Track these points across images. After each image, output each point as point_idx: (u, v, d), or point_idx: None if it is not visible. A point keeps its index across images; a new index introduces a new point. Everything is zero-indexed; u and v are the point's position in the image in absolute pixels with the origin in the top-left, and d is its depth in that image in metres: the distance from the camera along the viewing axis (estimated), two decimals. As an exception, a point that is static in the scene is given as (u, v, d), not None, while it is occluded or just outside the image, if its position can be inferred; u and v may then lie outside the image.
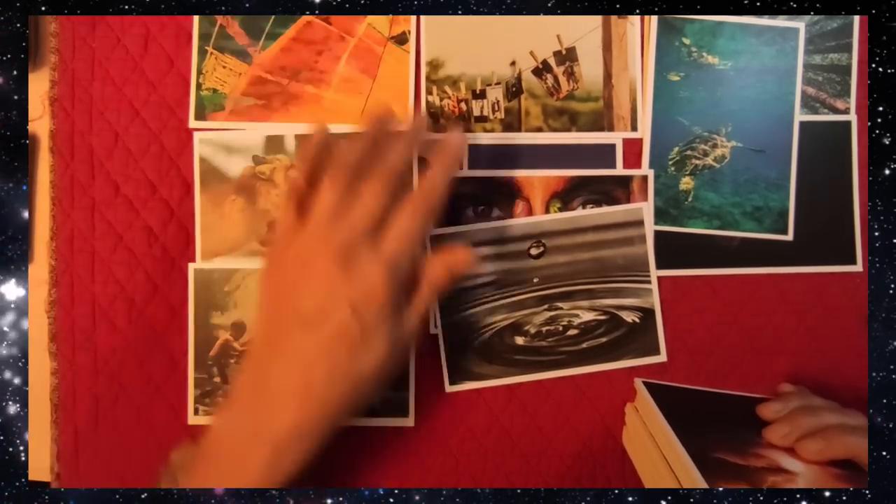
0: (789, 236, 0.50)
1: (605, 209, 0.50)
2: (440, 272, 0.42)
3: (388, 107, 0.44)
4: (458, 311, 0.50)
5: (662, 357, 0.50)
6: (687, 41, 0.50)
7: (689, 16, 0.50)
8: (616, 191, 0.50)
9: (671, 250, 0.50)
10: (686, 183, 0.50)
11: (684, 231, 0.50)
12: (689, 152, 0.50)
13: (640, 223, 0.50)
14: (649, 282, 0.50)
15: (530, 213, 0.50)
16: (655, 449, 0.44)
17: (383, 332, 0.38)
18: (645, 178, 0.50)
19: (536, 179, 0.50)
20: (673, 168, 0.50)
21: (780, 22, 0.50)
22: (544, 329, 0.50)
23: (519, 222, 0.50)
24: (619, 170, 0.50)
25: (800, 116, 0.50)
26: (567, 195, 0.50)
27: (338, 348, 0.38)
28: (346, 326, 0.38)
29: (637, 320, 0.50)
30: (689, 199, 0.50)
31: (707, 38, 0.50)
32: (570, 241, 0.50)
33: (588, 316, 0.50)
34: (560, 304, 0.50)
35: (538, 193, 0.50)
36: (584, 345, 0.50)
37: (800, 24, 0.50)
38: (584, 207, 0.50)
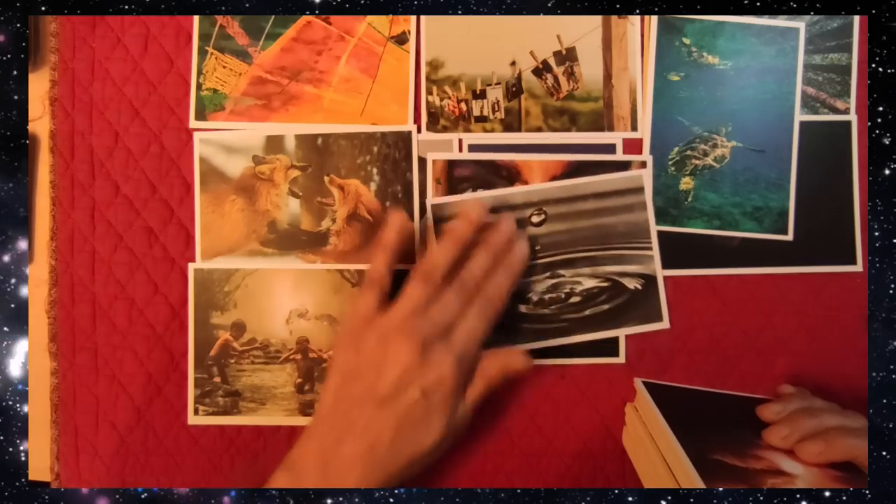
0: (789, 236, 0.50)
1: (605, 176, 0.50)
2: (496, 371, 0.46)
3: (480, 208, 0.47)
4: None
5: (665, 323, 0.50)
6: (687, 41, 0.50)
7: (690, 16, 0.50)
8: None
9: (671, 250, 0.50)
10: (686, 183, 0.50)
11: (684, 231, 0.50)
12: (689, 152, 0.50)
13: (640, 190, 0.50)
14: (650, 248, 0.50)
15: None
16: (655, 449, 0.44)
17: (444, 416, 0.43)
18: (644, 163, 0.50)
19: (536, 164, 0.50)
20: (673, 168, 0.50)
21: (780, 22, 0.50)
22: (547, 297, 0.50)
23: (519, 190, 0.50)
24: (619, 155, 0.50)
25: (800, 116, 0.50)
26: (565, 178, 0.50)
27: (404, 425, 0.42)
28: (415, 407, 0.42)
29: (639, 287, 0.50)
30: (689, 199, 0.50)
31: (707, 38, 0.50)
32: (570, 208, 0.50)
33: (590, 283, 0.50)
34: (562, 272, 0.50)
35: (537, 177, 0.50)
36: (587, 312, 0.50)
37: (800, 24, 0.50)
38: None
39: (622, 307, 0.50)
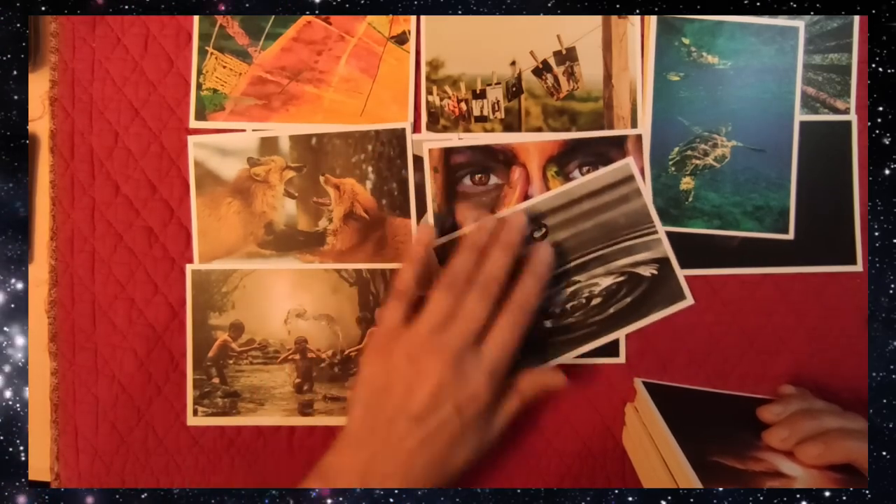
0: (790, 235, 0.50)
1: (593, 174, 0.50)
2: (531, 390, 0.45)
3: (494, 219, 0.47)
4: None
5: (689, 300, 0.50)
6: (686, 41, 0.50)
7: (689, 16, 0.50)
8: (611, 151, 0.50)
9: (671, 250, 0.50)
10: (686, 183, 0.50)
11: (684, 231, 0.50)
12: (689, 152, 0.50)
13: (630, 178, 0.50)
14: (656, 232, 0.50)
15: (527, 178, 0.50)
16: (654, 450, 0.43)
17: (478, 432, 0.43)
18: (639, 136, 0.50)
19: (532, 145, 0.50)
20: (673, 168, 0.50)
21: (780, 21, 0.50)
22: (569, 306, 0.50)
23: (514, 210, 0.50)
24: (614, 130, 0.50)
25: (800, 116, 0.50)
26: (562, 158, 0.50)
27: (438, 442, 0.41)
28: (449, 424, 0.41)
29: (655, 272, 0.50)
30: (690, 199, 0.50)
31: (707, 37, 0.50)
32: (568, 214, 0.50)
33: (607, 281, 0.50)
34: (577, 278, 0.50)
35: (534, 158, 0.50)
36: (612, 310, 0.50)
37: (799, 23, 0.50)
38: (580, 170, 0.50)
39: (644, 296, 0.50)
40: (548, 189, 0.50)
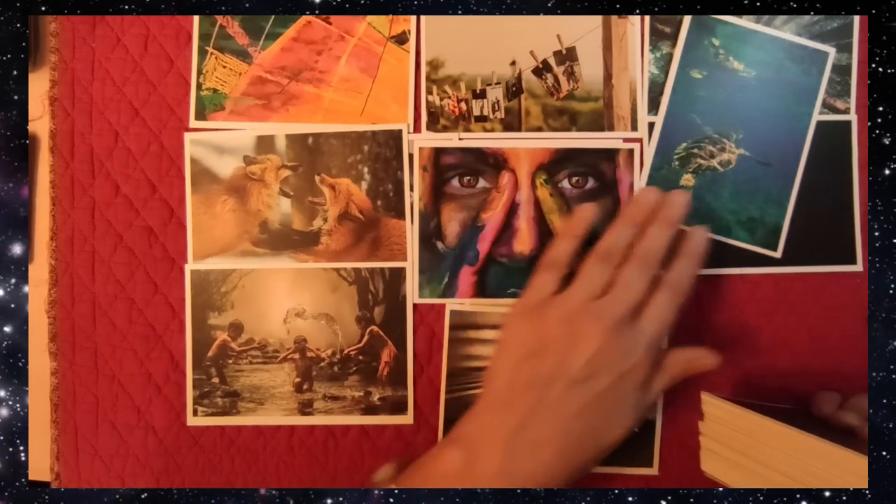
0: (777, 253, 0.50)
1: None
2: (680, 368, 0.44)
3: (654, 191, 0.46)
4: (462, 391, 0.50)
5: (654, 470, 0.50)
6: (716, 42, 0.50)
7: (723, 17, 0.49)
8: (602, 164, 0.50)
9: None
10: (686, 180, 0.50)
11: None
12: (696, 150, 0.50)
13: None
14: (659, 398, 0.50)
15: (516, 184, 0.50)
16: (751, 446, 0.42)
17: (636, 404, 0.42)
18: (631, 151, 0.50)
19: (523, 151, 0.50)
20: (677, 163, 0.50)
21: (811, 43, 0.49)
22: None
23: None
24: (606, 141, 0.50)
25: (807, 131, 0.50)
26: (553, 167, 0.50)
27: (599, 409, 0.40)
28: (612, 391, 0.40)
29: (636, 430, 0.48)
30: (687, 198, 0.50)
31: (737, 43, 0.50)
32: None
33: None
34: None
35: (524, 165, 0.50)
36: None
37: (830, 50, 0.49)
38: (570, 180, 0.50)
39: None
40: (536, 197, 0.50)
